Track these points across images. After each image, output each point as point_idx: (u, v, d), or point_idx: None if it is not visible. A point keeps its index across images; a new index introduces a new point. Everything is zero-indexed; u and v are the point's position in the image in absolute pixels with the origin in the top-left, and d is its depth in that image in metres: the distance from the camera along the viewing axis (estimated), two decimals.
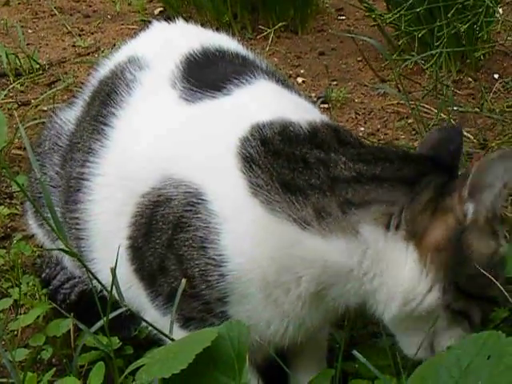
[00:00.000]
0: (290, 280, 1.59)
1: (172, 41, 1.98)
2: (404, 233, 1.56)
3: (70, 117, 2.07)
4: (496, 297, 1.59)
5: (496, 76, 3.35)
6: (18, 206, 2.65)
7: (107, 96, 1.90)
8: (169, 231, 1.66)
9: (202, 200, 1.62)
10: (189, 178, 1.65)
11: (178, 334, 1.62)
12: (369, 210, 1.57)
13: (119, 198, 1.79)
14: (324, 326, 1.76)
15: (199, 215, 1.62)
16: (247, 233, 1.60)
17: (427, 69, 3.03)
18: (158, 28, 2.11)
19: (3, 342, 1.95)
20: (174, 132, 1.75)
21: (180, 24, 2.16)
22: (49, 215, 1.64)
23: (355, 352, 1.67)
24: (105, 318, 1.67)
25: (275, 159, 1.62)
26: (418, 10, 2.99)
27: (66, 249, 1.62)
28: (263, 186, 1.60)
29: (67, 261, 2.10)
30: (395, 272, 1.57)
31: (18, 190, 2.67)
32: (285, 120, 1.67)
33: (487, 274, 1.55)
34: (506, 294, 1.60)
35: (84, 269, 1.84)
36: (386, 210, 1.57)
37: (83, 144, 1.89)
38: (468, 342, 1.35)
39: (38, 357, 1.95)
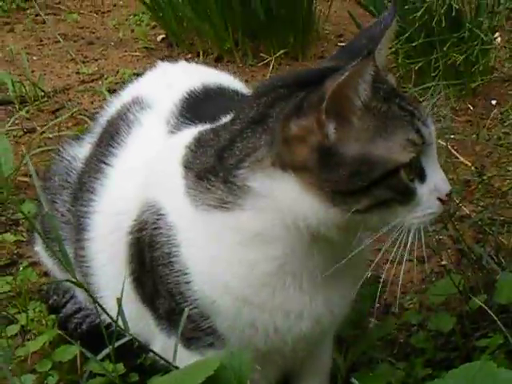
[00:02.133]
0: (251, 261, 1.64)
1: (174, 81, 2.03)
2: (279, 167, 1.58)
3: (78, 153, 2.11)
4: (372, 172, 1.55)
5: (493, 102, 3.37)
6: (24, 233, 2.68)
7: (111, 137, 1.96)
8: (148, 253, 1.73)
9: (161, 215, 1.70)
10: (154, 199, 1.73)
11: (183, 354, 1.68)
12: (246, 164, 1.61)
13: (113, 235, 1.87)
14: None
15: (161, 230, 1.70)
16: (194, 236, 1.68)
17: (424, 100, 3.09)
18: (162, 68, 2.15)
19: (10, 368, 1.94)
20: (151, 162, 1.82)
21: (182, 64, 2.23)
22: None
23: (353, 380, 1.74)
24: (110, 346, 1.72)
25: (195, 157, 1.70)
26: (414, 43, 3.03)
27: (74, 280, 1.67)
28: (190, 185, 1.67)
29: (79, 293, 2.14)
30: (293, 203, 1.58)
31: (24, 217, 2.72)
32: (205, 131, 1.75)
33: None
34: None
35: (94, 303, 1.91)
36: (257, 157, 1.60)
37: (89, 184, 1.95)
38: (460, 373, 1.39)
39: (45, 382, 1.98)
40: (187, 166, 1.70)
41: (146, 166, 1.83)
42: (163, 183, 1.75)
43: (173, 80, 2.05)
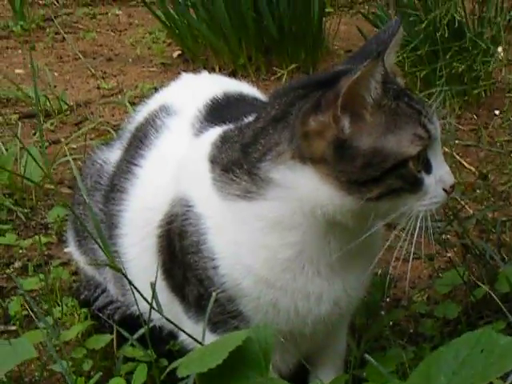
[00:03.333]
0: (273, 247, 1.71)
1: (197, 90, 2.09)
2: (299, 160, 1.65)
3: (109, 157, 2.18)
4: (384, 164, 1.62)
5: (497, 112, 3.42)
6: (53, 236, 2.74)
7: (140, 141, 2.03)
8: (178, 243, 1.80)
9: (190, 206, 1.77)
10: (183, 193, 1.80)
11: (209, 338, 1.71)
12: (268, 157, 1.68)
13: (144, 229, 1.94)
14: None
15: (190, 221, 1.76)
16: (220, 225, 1.74)
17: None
18: (186, 79, 2.22)
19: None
20: (179, 161, 1.89)
21: (205, 74, 2.29)
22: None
23: (367, 356, 1.80)
24: (143, 329, 1.82)
25: (221, 153, 1.77)
26: (419, 52, 3.08)
27: (112, 265, 1.77)
28: (216, 177, 1.74)
29: (112, 287, 2.20)
30: (312, 193, 1.65)
31: (54, 220, 2.80)
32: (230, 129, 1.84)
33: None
34: None
35: (126, 294, 2.02)
36: (278, 151, 1.67)
37: (120, 184, 2.02)
38: (465, 339, 1.46)
39: (80, 368, 2.02)
40: (213, 160, 1.77)
41: (174, 164, 1.89)
42: (191, 178, 1.82)
43: (196, 89, 2.10)
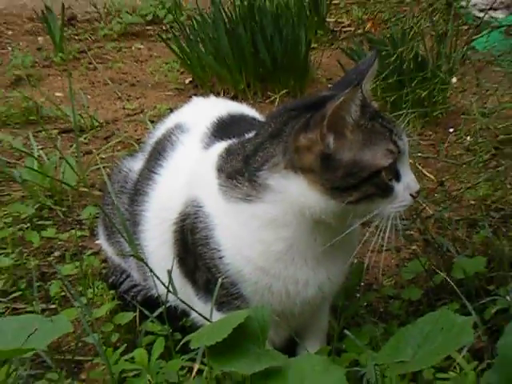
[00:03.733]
0: (268, 241, 1.71)
1: (206, 111, 2.08)
2: (291, 169, 1.65)
3: (133, 166, 2.17)
4: (361, 173, 1.62)
5: (451, 130, 3.42)
6: (86, 230, 2.73)
7: (159, 153, 2.03)
8: (190, 237, 1.80)
9: (200, 207, 1.78)
10: (196, 195, 1.80)
11: (216, 316, 1.73)
12: (265, 167, 1.68)
13: (160, 226, 1.94)
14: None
15: (200, 219, 1.77)
16: (225, 222, 1.74)
17: None
18: (196, 101, 2.22)
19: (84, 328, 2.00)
20: (191, 169, 1.88)
21: (212, 98, 2.28)
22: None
23: (346, 331, 1.81)
24: (161, 309, 1.83)
25: (226, 163, 1.77)
26: (389, 81, 3.08)
27: (136, 255, 1.77)
28: (222, 183, 1.74)
29: (136, 273, 2.19)
30: (301, 197, 1.65)
31: (87, 217, 2.79)
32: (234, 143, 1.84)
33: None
34: None
35: (147, 279, 2.01)
36: (274, 162, 1.67)
37: (142, 189, 2.02)
38: (428, 318, 1.46)
39: (109, 339, 2.03)
40: (220, 169, 1.77)
41: (187, 172, 1.89)
42: (201, 183, 1.82)
43: (205, 110, 2.10)
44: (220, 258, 1.75)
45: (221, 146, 1.87)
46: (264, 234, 1.71)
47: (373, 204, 1.66)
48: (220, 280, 1.74)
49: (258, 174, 1.70)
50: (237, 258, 1.74)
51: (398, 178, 1.67)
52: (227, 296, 1.78)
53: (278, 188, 1.68)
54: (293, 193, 1.67)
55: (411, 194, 1.68)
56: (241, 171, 1.73)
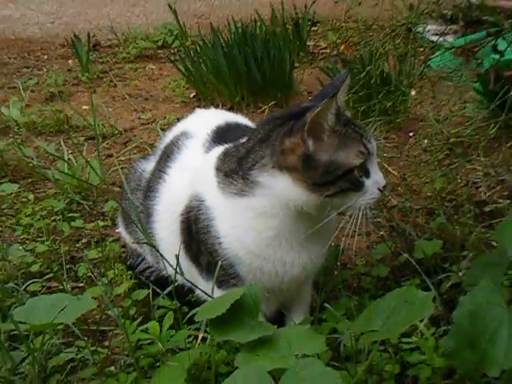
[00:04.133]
0: (259, 229, 1.68)
1: (207, 120, 2.06)
2: (278, 168, 1.63)
3: (146, 167, 2.15)
4: (336, 171, 1.61)
5: (411, 134, 3.39)
6: (108, 221, 2.71)
7: (167, 156, 2.01)
8: (194, 226, 1.78)
9: (202, 200, 1.76)
10: (198, 191, 1.78)
11: (216, 292, 1.72)
12: (256, 167, 1.67)
13: (169, 217, 1.91)
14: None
15: (202, 210, 1.75)
16: (223, 213, 1.72)
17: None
18: (199, 112, 2.20)
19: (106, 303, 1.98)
20: (194, 170, 1.86)
21: (212, 110, 2.28)
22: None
23: (326, 304, 1.80)
24: (170, 288, 1.80)
25: (223, 164, 1.75)
26: (360, 93, 3.05)
27: (149, 242, 1.74)
28: (220, 181, 1.72)
29: (149, 257, 2.16)
30: (286, 191, 1.64)
31: (108, 210, 2.77)
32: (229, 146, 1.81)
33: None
34: None
35: (159, 262, 1.97)
36: (263, 162, 1.66)
37: (154, 186, 2.00)
38: (395, 293, 1.44)
39: (128, 313, 2.03)
40: (218, 168, 1.76)
41: (191, 172, 1.88)
42: (203, 181, 1.80)
43: (206, 119, 2.08)
44: (219, 243, 1.73)
45: (219, 149, 1.85)
46: (256, 223, 1.69)
47: (347, 197, 1.64)
48: (220, 262, 1.72)
49: (250, 173, 1.68)
50: (233, 243, 1.72)
51: (367, 175, 1.65)
52: (225, 276, 1.76)
53: (266, 184, 1.66)
54: (279, 188, 1.65)
55: (379, 189, 1.67)
56: (236, 170, 1.71)
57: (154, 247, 1.83)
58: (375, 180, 1.66)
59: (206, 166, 1.80)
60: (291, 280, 1.77)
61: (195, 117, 2.17)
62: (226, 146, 1.84)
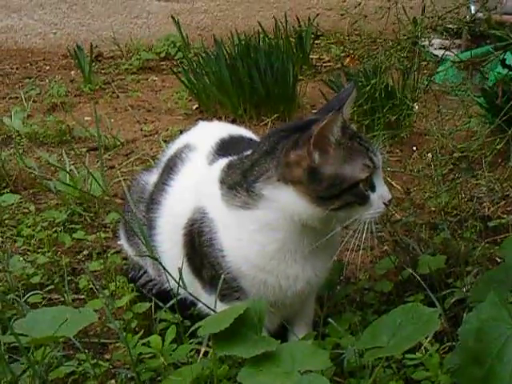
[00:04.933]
0: (263, 242, 1.67)
1: (210, 133, 2.05)
2: (283, 181, 1.63)
3: (149, 179, 2.13)
4: (342, 185, 1.60)
5: (415, 148, 3.40)
6: (110, 232, 2.71)
7: (170, 168, 2.00)
8: (197, 239, 1.77)
9: (206, 213, 1.75)
10: (202, 204, 1.77)
11: (219, 306, 1.71)
12: (261, 179, 1.66)
13: (171, 230, 1.90)
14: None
15: (206, 223, 1.74)
16: (227, 226, 1.71)
17: None
18: (202, 125, 2.20)
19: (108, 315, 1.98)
20: (198, 182, 1.86)
21: (215, 122, 2.28)
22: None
23: (329, 319, 1.79)
24: (173, 301, 1.78)
25: (227, 176, 1.75)
26: (364, 107, 3.06)
27: (151, 256, 1.73)
28: (224, 193, 1.72)
29: (151, 270, 2.15)
30: (291, 204, 1.63)
31: (110, 222, 2.76)
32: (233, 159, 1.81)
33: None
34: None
35: (161, 275, 1.97)
36: (268, 175, 1.65)
37: (157, 198, 1.99)
38: (400, 309, 1.44)
39: (129, 326, 1.99)
40: (222, 181, 1.75)
41: (195, 184, 1.87)
42: (206, 193, 1.79)
43: (209, 132, 2.07)
44: (222, 256, 1.72)
45: (223, 162, 1.84)
46: (260, 236, 1.68)
47: (352, 211, 1.64)
48: (222, 277, 1.71)
49: (254, 185, 1.67)
50: (237, 256, 1.71)
51: (373, 188, 1.65)
52: (229, 289, 1.75)
53: (271, 197, 1.65)
54: (284, 201, 1.64)
55: (384, 203, 1.66)
56: (240, 183, 1.70)
57: (156, 260, 1.82)
58: (380, 194, 1.66)
59: (210, 179, 1.80)
60: (295, 294, 1.76)
61: (198, 129, 2.16)
62: (230, 158, 1.84)
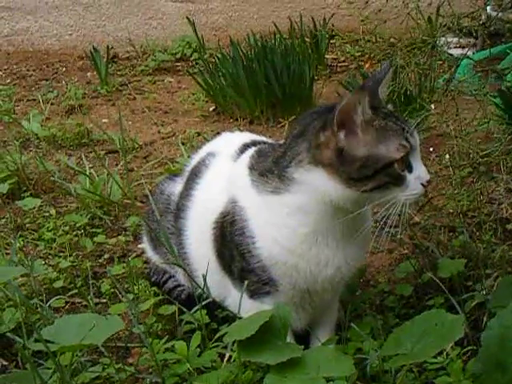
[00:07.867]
0: (294, 225, 1.69)
1: (233, 140, 2.07)
2: (313, 164, 1.64)
3: (174, 190, 2.15)
4: (376, 165, 1.60)
5: (431, 149, 3.40)
6: (130, 236, 2.72)
7: (195, 175, 2.03)
8: (228, 229, 1.79)
9: (236, 202, 1.77)
10: (232, 194, 1.80)
11: (248, 302, 1.74)
12: (292, 163, 1.68)
13: (201, 229, 1.92)
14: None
15: (236, 212, 1.76)
16: (258, 213, 1.74)
17: None
18: (225, 135, 2.24)
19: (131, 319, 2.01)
20: (227, 176, 1.88)
21: (237, 132, 2.33)
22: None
23: (352, 324, 1.80)
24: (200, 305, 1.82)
25: (257, 163, 1.77)
26: None
27: (180, 264, 1.75)
28: (254, 179, 1.74)
29: (181, 276, 2.17)
30: (322, 187, 1.64)
31: (130, 225, 2.78)
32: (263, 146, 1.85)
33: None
34: None
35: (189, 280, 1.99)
36: (299, 158, 1.66)
37: (183, 204, 2.02)
38: (424, 316, 1.45)
39: (152, 329, 2.02)
40: (251, 167, 1.78)
41: (224, 179, 1.89)
42: (236, 182, 1.82)
43: (232, 140, 2.09)
44: (253, 243, 1.73)
45: (251, 150, 1.87)
46: (290, 220, 1.70)
47: (387, 192, 1.63)
48: (253, 267, 1.73)
49: (286, 170, 1.69)
50: (267, 242, 1.72)
51: (410, 169, 1.64)
52: (258, 282, 1.76)
53: (302, 180, 1.67)
54: (315, 184, 1.66)
55: (422, 184, 1.65)
56: (271, 169, 1.73)
57: (185, 270, 1.84)
58: (418, 174, 1.64)
59: (239, 168, 1.83)
60: (325, 280, 1.76)
61: (221, 139, 2.19)
62: (258, 146, 1.87)
